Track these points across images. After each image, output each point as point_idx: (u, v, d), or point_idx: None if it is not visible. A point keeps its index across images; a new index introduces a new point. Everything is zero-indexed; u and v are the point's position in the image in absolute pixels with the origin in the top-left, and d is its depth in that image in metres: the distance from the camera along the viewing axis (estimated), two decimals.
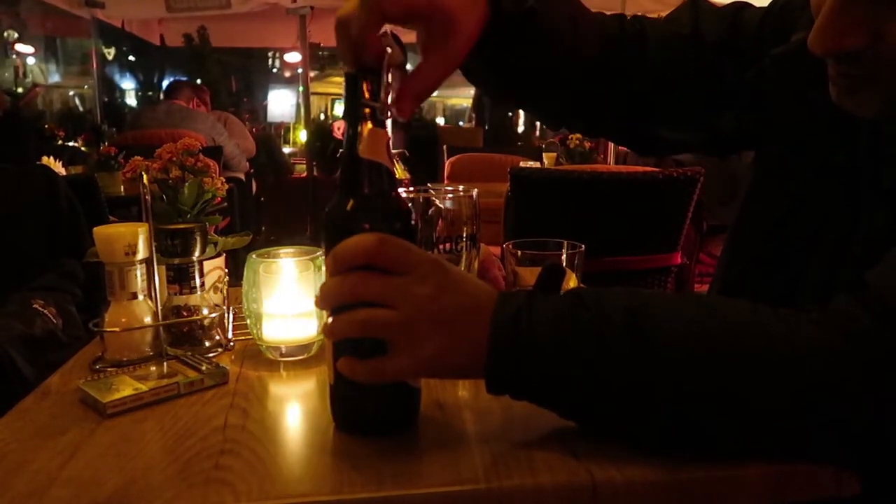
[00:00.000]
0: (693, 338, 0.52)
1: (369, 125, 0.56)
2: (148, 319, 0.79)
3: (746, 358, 0.51)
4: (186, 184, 0.88)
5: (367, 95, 0.55)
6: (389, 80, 0.57)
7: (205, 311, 0.83)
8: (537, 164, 3.72)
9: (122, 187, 2.81)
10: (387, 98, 0.56)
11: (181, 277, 0.82)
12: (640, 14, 0.81)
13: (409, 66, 0.61)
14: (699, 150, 0.88)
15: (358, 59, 0.57)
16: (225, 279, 0.90)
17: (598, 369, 0.52)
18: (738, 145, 0.84)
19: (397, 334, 0.53)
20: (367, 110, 0.56)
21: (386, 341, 0.54)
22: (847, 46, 0.53)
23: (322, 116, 9.78)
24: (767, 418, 0.52)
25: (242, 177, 3.73)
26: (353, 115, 0.56)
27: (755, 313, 0.53)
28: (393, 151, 0.58)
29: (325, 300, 0.56)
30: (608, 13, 0.79)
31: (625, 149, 4.32)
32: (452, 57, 0.61)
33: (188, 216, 0.89)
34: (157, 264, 0.78)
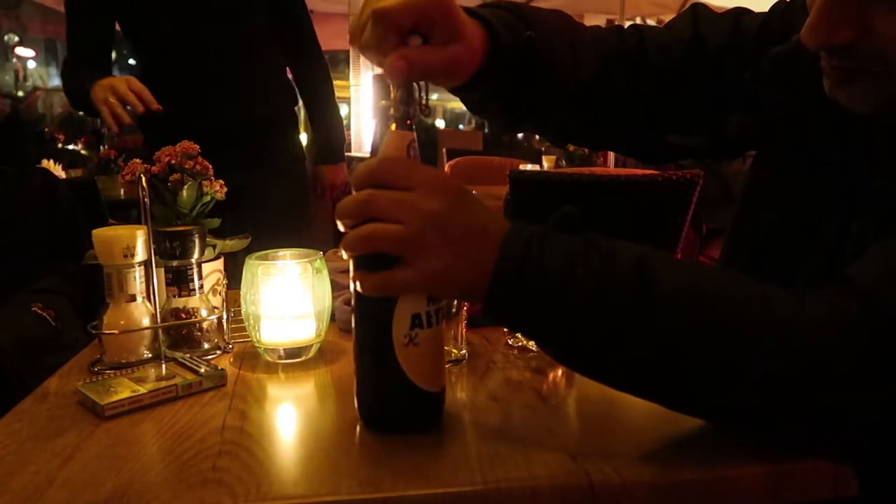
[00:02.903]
0: (695, 292, 0.53)
1: (394, 126, 0.57)
2: (146, 322, 0.79)
3: (742, 322, 0.52)
4: (185, 186, 0.88)
5: (392, 96, 0.56)
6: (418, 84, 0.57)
7: (203, 314, 0.83)
8: (537, 167, 3.73)
9: (121, 190, 2.81)
10: (412, 99, 0.57)
11: (180, 280, 0.82)
12: (638, 17, 0.82)
13: None
14: (704, 154, 0.89)
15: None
16: (223, 282, 0.90)
17: (598, 308, 0.52)
18: (741, 147, 0.85)
19: (406, 248, 0.53)
20: (393, 111, 0.56)
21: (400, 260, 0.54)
22: (838, 40, 0.54)
23: None
24: (752, 386, 0.52)
25: None
26: (380, 116, 0.57)
27: (757, 284, 0.54)
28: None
29: (340, 217, 0.56)
30: (604, 26, 0.79)
31: None
32: (457, 54, 0.61)
33: (187, 219, 0.89)
34: (156, 266, 0.78)
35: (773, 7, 0.76)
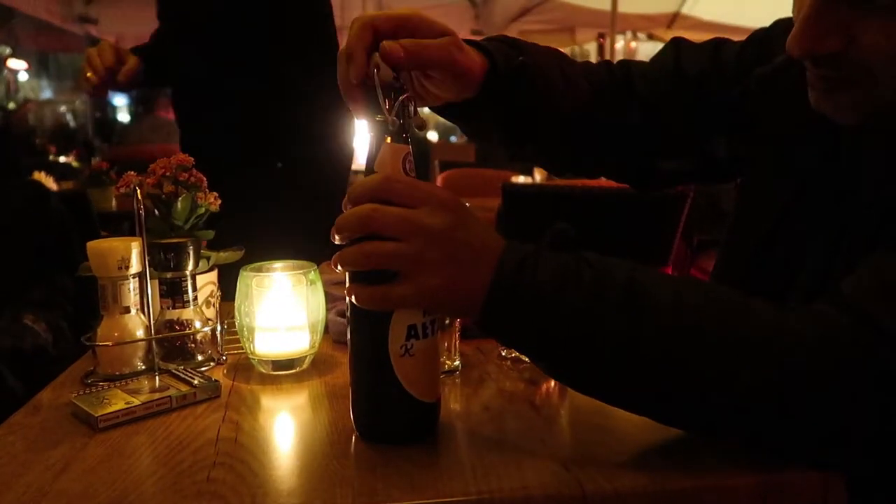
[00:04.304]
0: (684, 309, 0.54)
1: (388, 139, 0.57)
2: (140, 333, 0.79)
3: (731, 337, 0.53)
4: (180, 198, 0.88)
5: (384, 112, 0.57)
6: (403, 97, 0.58)
7: (197, 325, 0.83)
8: (529, 180, 3.74)
9: (113, 202, 2.80)
10: (407, 112, 0.58)
11: (174, 291, 0.82)
12: (629, 31, 0.84)
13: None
14: (698, 179, 0.91)
15: (347, 76, 0.59)
16: (217, 293, 0.91)
17: (589, 324, 0.53)
18: (734, 170, 0.87)
19: (406, 265, 0.54)
20: (389, 125, 0.57)
21: (397, 274, 0.54)
22: (823, 49, 0.55)
23: None
24: (741, 399, 0.53)
25: None
26: (374, 130, 0.58)
27: (747, 299, 0.55)
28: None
29: (339, 231, 0.56)
30: (595, 40, 0.82)
31: None
32: (449, 48, 0.62)
33: (181, 231, 0.89)
34: (150, 278, 0.78)
35: (752, 35, 0.79)
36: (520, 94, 0.69)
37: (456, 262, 0.54)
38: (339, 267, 0.57)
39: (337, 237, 0.56)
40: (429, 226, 0.53)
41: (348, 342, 0.60)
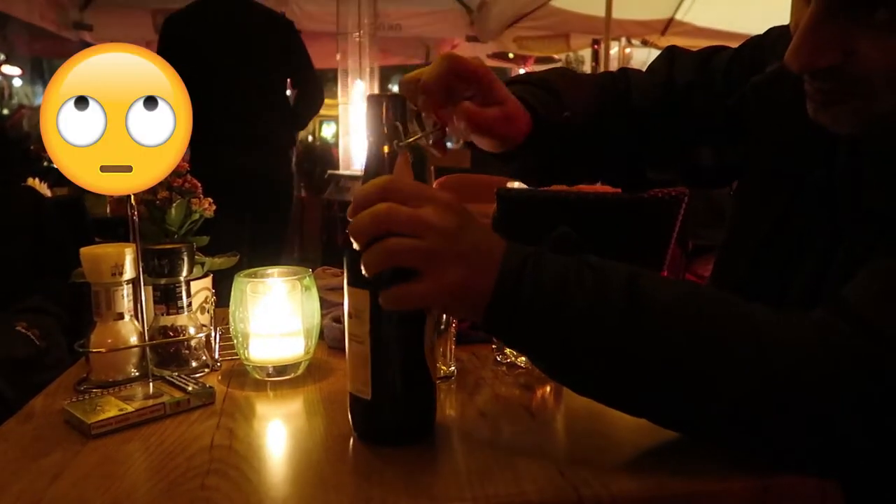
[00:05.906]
0: (682, 310, 0.54)
1: (387, 148, 0.58)
2: (134, 340, 0.79)
3: (728, 339, 0.53)
4: (174, 204, 0.88)
5: (386, 118, 0.58)
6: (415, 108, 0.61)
7: (192, 332, 0.83)
8: (524, 185, 3.74)
9: (108, 208, 2.79)
10: (423, 124, 0.61)
11: (168, 297, 0.82)
12: (623, 37, 0.86)
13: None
14: (686, 183, 0.93)
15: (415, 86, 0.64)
16: (212, 299, 0.90)
17: (589, 323, 0.54)
18: (721, 178, 0.87)
19: (424, 262, 0.54)
20: (386, 132, 0.58)
21: (414, 273, 0.55)
22: (821, 63, 0.55)
23: (310, 138, 9.79)
24: (738, 402, 0.53)
25: None
26: (374, 137, 0.59)
27: (745, 303, 0.56)
28: None
29: (356, 234, 0.56)
30: (590, 48, 0.85)
31: None
32: (506, 112, 0.68)
33: (175, 236, 0.89)
34: (144, 284, 0.78)
35: (745, 42, 0.80)
36: (560, 143, 0.75)
37: (467, 261, 0.55)
38: (365, 272, 0.56)
39: (355, 242, 0.56)
40: (439, 225, 0.54)
41: (371, 348, 0.60)
